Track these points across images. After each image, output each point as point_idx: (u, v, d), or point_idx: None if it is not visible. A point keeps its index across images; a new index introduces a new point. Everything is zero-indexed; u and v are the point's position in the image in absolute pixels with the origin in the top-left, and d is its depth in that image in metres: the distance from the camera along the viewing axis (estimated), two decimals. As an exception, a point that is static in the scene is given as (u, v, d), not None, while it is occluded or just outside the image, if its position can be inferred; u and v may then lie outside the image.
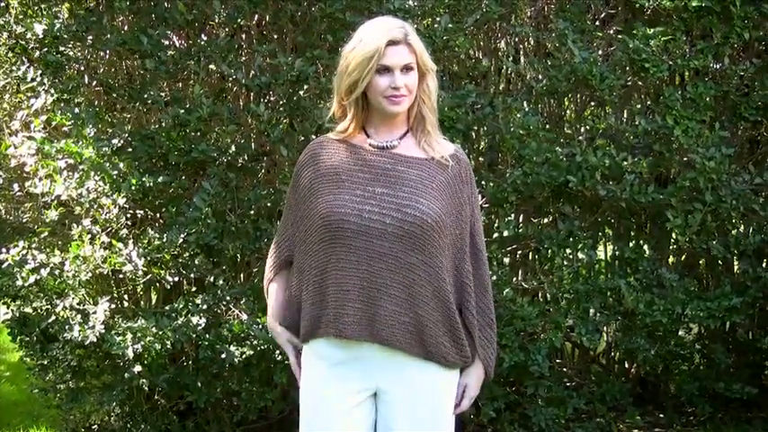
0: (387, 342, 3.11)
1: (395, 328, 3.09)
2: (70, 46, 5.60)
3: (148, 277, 5.41)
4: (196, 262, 5.41)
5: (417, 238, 3.07)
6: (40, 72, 5.48)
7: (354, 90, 3.14)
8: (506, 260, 6.20)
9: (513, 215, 6.06)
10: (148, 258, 5.29)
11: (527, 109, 5.62)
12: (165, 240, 5.26)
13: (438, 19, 5.44)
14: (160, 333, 5.11)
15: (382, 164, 3.18)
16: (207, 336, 5.27)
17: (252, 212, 5.51)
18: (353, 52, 3.13)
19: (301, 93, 5.38)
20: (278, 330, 3.40)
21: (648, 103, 6.09)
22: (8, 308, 5.51)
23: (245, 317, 5.32)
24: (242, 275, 5.89)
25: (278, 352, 5.22)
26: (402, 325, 3.09)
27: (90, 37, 5.55)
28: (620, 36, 5.76)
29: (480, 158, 6.04)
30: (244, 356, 5.19)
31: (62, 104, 5.48)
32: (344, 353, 3.17)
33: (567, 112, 6.43)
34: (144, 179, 5.27)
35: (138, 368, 5.30)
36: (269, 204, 5.45)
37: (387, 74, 3.11)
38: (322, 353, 3.21)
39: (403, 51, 3.12)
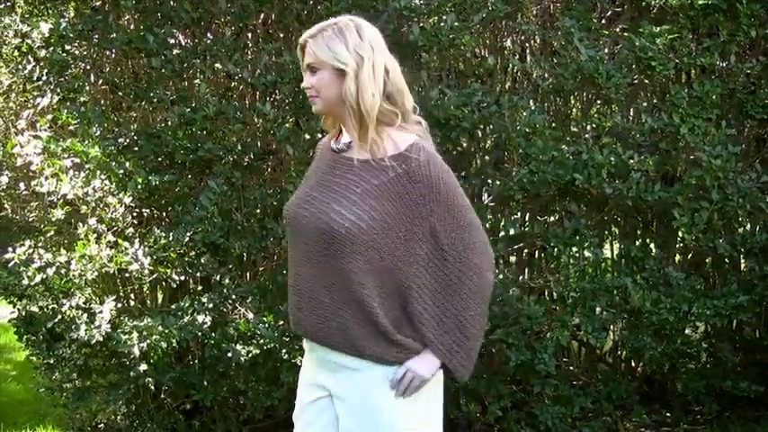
0: (327, 345, 3.14)
1: (325, 331, 3.12)
2: (76, 45, 5.61)
3: (154, 276, 5.42)
4: (202, 261, 5.42)
5: (330, 244, 3.06)
6: (45, 71, 5.50)
7: None
8: (512, 259, 6.20)
9: (519, 213, 6.07)
10: (154, 257, 5.30)
11: (533, 107, 5.62)
12: (171, 239, 5.26)
13: (444, 17, 5.44)
14: (166, 332, 5.12)
15: (329, 168, 3.20)
16: (213, 334, 5.27)
17: (258, 211, 5.51)
18: None
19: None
20: None
21: (655, 101, 6.08)
22: (14, 307, 5.53)
23: (251, 315, 5.32)
24: (248, 274, 5.89)
25: (284, 351, 5.23)
26: (330, 329, 3.11)
27: (96, 36, 5.56)
28: (626, 34, 5.76)
29: (486, 157, 6.03)
30: (250, 355, 5.20)
31: (68, 103, 5.49)
32: (316, 351, 3.24)
33: (574, 110, 6.42)
34: (150, 178, 5.28)
35: (144, 366, 5.31)
36: (275, 203, 5.45)
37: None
38: (306, 347, 3.33)
39: (306, 53, 3.14)
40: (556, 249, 5.72)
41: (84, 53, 5.72)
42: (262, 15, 5.77)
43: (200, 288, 5.89)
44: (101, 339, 5.17)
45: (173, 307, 5.44)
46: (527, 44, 6.34)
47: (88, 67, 5.73)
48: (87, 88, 5.68)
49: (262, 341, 5.18)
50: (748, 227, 6.09)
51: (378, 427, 3.12)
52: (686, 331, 6.09)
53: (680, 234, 6.03)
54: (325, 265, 3.08)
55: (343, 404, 3.17)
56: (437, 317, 3.11)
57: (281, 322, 5.27)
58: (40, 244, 5.42)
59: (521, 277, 6.09)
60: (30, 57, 5.61)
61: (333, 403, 3.22)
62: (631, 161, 5.47)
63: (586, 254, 5.81)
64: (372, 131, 3.06)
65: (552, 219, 6.00)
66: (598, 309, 5.78)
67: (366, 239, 3.03)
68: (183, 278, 5.54)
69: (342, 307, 3.08)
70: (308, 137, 5.37)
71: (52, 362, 5.68)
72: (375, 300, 3.08)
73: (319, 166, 3.26)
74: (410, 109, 3.15)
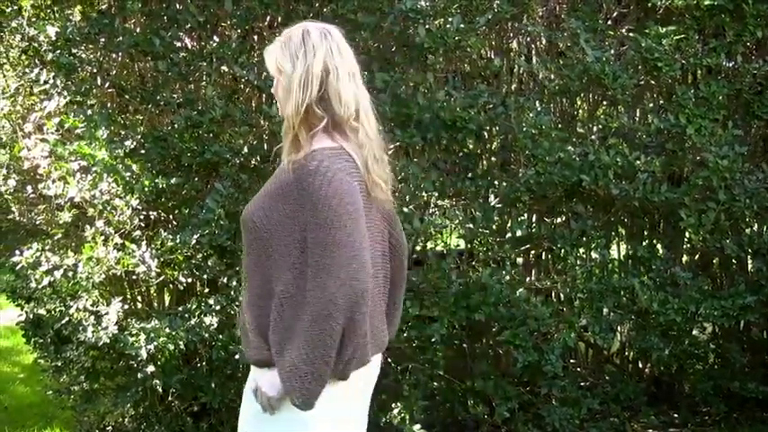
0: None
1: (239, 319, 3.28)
2: (83, 48, 5.62)
3: (161, 278, 5.43)
4: (209, 263, 5.42)
5: (247, 240, 3.17)
6: (52, 74, 5.50)
7: None
8: (519, 260, 6.20)
9: (525, 215, 6.07)
10: (161, 259, 5.30)
11: (539, 108, 5.62)
12: (178, 241, 5.26)
13: (450, 19, 5.44)
14: (173, 334, 5.12)
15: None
16: (220, 336, 5.27)
17: (264, 213, 5.50)
18: None
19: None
20: None
21: (661, 101, 6.08)
22: (22, 309, 5.54)
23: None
24: (255, 276, 5.88)
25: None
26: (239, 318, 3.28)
27: (102, 39, 5.57)
28: (632, 35, 5.75)
29: (493, 158, 6.04)
30: (257, 357, 5.20)
31: (75, 106, 5.49)
32: None
33: (580, 111, 6.42)
34: (157, 181, 5.28)
35: (151, 369, 5.31)
36: (281, 205, 5.45)
37: None
38: None
39: None
40: (563, 250, 5.72)
41: (91, 56, 5.72)
42: (268, 18, 5.77)
43: (206, 290, 5.88)
44: (107, 341, 5.17)
45: (180, 309, 5.45)
46: (533, 45, 6.34)
47: (95, 71, 5.74)
48: (94, 91, 5.68)
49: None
50: (755, 227, 6.09)
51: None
52: (694, 332, 6.09)
53: (687, 235, 6.03)
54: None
55: None
56: (286, 330, 3.01)
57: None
58: (47, 247, 5.42)
59: (528, 278, 6.10)
60: (36, 60, 5.63)
61: None
62: (638, 162, 5.47)
63: (593, 255, 5.82)
64: (296, 135, 3.06)
65: (559, 220, 6.01)
66: (605, 310, 5.78)
67: (256, 234, 3.08)
68: (189, 280, 5.55)
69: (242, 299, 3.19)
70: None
71: (60, 364, 5.69)
72: (254, 298, 3.12)
73: None
74: (346, 115, 3.07)
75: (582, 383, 6.28)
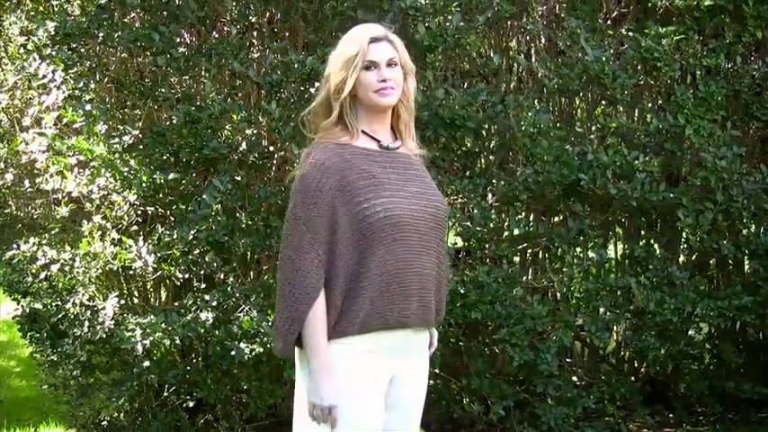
0: (430, 324, 3.37)
1: (431, 309, 3.31)
2: (81, 43, 5.62)
3: (158, 274, 5.43)
4: (206, 259, 5.42)
5: (442, 226, 3.30)
6: (51, 69, 5.51)
7: (343, 89, 3.20)
8: (516, 259, 6.19)
9: (523, 214, 6.06)
10: (158, 255, 5.31)
11: (538, 107, 5.62)
12: (175, 237, 5.27)
13: (449, 17, 5.44)
14: (169, 329, 5.12)
15: (400, 164, 3.29)
16: (216, 332, 5.27)
17: (262, 210, 5.51)
18: (338, 55, 3.24)
19: (312, 90, 5.38)
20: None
21: (660, 101, 6.09)
22: (18, 304, 5.55)
23: (255, 314, 5.32)
24: (252, 272, 5.89)
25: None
26: (432, 306, 3.32)
27: (101, 34, 5.56)
28: (632, 35, 5.75)
29: (491, 157, 6.04)
30: (253, 353, 5.20)
31: (73, 101, 5.50)
32: (398, 341, 3.28)
33: (579, 110, 6.42)
34: (155, 176, 5.28)
35: (147, 363, 5.31)
36: (279, 201, 5.45)
37: (374, 69, 3.20)
38: (376, 345, 3.24)
39: (386, 47, 3.23)
40: (560, 249, 5.72)
41: (90, 51, 5.73)
42: (267, 14, 5.77)
43: (203, 286, 5.88)
44: (103, 336, 5.18)
45: (176, 304, 5.45)
46: (532, 44, 6.34)
47: (94, 66, 5.74)
48: (93, 86, 5.68)
49: (265, 339, 5.19)
50: (752, 228, 6.08)
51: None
52: (690, 332, 6.09)
53: (684, 235, 6.04)
54: (438, 249, 3.30)
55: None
56: None
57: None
58: (44, 241, 5.43)
59: (525, 277, 6.10)
60: (35, 54, 5.63)
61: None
62: (636, 162, 5.46)
63: (590, 254, 5.81)
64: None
65: (557, 219, 6.01)
66: (602, 309, 5.78)
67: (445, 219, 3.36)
68: (186, 276, 5.55)
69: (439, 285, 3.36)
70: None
71: (56, 359, 5.69)
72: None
73: (380, 164, 3.26)
74: None
75: (577, 382, 6.27)
